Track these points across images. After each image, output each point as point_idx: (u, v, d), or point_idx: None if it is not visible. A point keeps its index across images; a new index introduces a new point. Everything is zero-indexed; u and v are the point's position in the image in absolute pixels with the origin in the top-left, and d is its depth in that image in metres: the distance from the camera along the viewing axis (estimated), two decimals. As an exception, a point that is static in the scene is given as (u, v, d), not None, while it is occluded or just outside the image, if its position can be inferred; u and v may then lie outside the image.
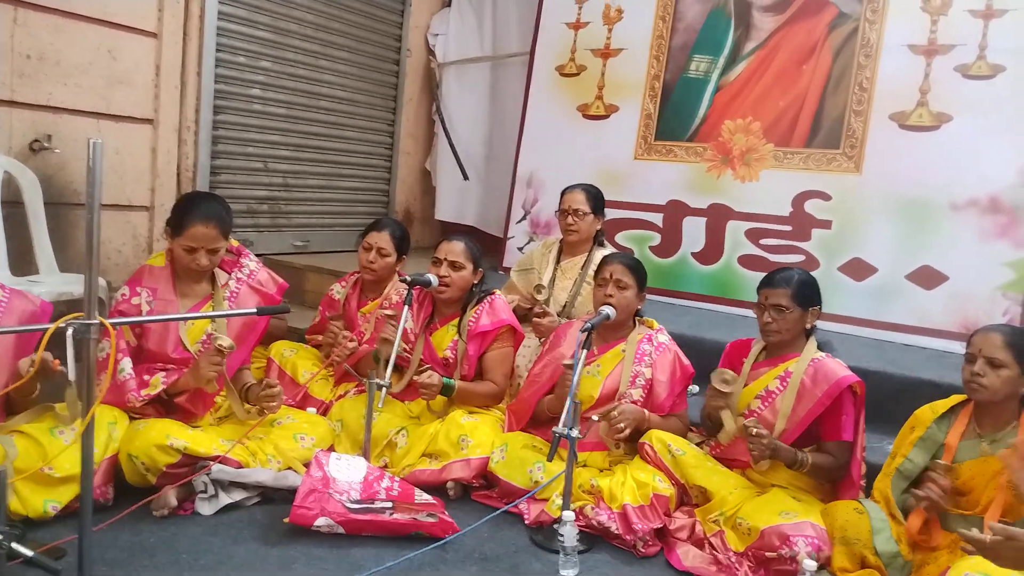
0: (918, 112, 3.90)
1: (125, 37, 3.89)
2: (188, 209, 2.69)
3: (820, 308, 2.75)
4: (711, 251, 4.35)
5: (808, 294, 2.70)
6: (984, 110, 3.74)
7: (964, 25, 3.82)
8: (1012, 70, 3.71)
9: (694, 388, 2.93)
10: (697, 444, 2.84)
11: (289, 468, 2.64)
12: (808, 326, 2.73)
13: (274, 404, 2.65)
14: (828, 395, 2.58)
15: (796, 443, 2.61)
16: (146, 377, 2.62)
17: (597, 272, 2.99)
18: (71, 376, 1.78)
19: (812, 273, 2.83)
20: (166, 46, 4.08)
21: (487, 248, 4.02)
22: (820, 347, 2.73)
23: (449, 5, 5.88)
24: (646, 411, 2.79)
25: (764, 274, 2.82)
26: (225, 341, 2.58)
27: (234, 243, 3.62)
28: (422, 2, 5.83)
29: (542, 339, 3.28)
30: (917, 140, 3.89)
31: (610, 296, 2.86)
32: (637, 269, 2.93)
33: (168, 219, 2.75)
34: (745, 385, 2.76)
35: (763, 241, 4.20)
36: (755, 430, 2.50)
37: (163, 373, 2.65)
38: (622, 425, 2.65)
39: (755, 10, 4.40)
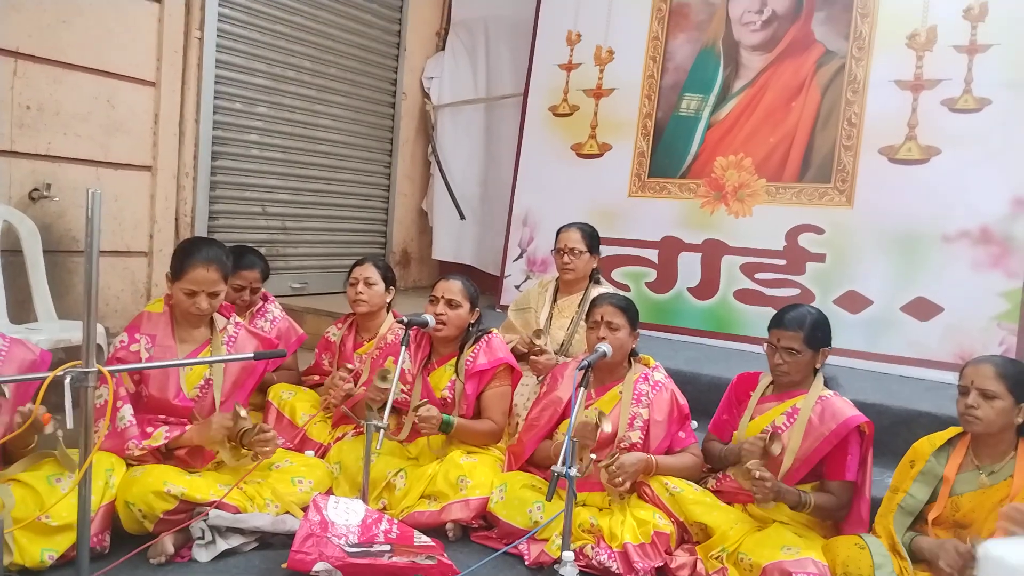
0: (907, 146, 3.95)
1: (124, 87, 3.96)
2: (189, 253, 2.71)
3: (831, 346, 2.75)
4: (707, 286, 4.37)
5: (820, 336, 2.69)
6: (972, 143, 3.79)
7: (949, 60, 3.89)
8: (997, 103, 3.77)
9: (693, 423, 2.92)
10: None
11: (287, 512, 2.62)
12: (818, 365, 2.73)
13: (268, 449, 2.63)
14: (836, 434, 2.56)
15: (800, 481, 2.60)
16: (149, 430, 2.61)
17: (588, 314, 2.97)
18: (69, 424, 1.78)
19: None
20: (164, 95, 4.15)
21: (484, 287, 4.03)
22: (827, 382, 2.72)
23: (443, 48, 5.99)
24: (653, 457, 2.73)
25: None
26: (243, 413, 2.60)
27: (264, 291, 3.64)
28: (416, 46, 5.94)
29: (540, 377, 3.29)
30: (907, 173, 3.94)
31: (603, 339, 2.83)
32: (628, 309, 2.91)
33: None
34: (751, 419, 2.75)
35: (758, 275, 4.22)
36: (758, 473, 2.46)
37: (166, 428, 2.63)
38: (620, 479, 2.63)
39: (743, 49, 4.48)
